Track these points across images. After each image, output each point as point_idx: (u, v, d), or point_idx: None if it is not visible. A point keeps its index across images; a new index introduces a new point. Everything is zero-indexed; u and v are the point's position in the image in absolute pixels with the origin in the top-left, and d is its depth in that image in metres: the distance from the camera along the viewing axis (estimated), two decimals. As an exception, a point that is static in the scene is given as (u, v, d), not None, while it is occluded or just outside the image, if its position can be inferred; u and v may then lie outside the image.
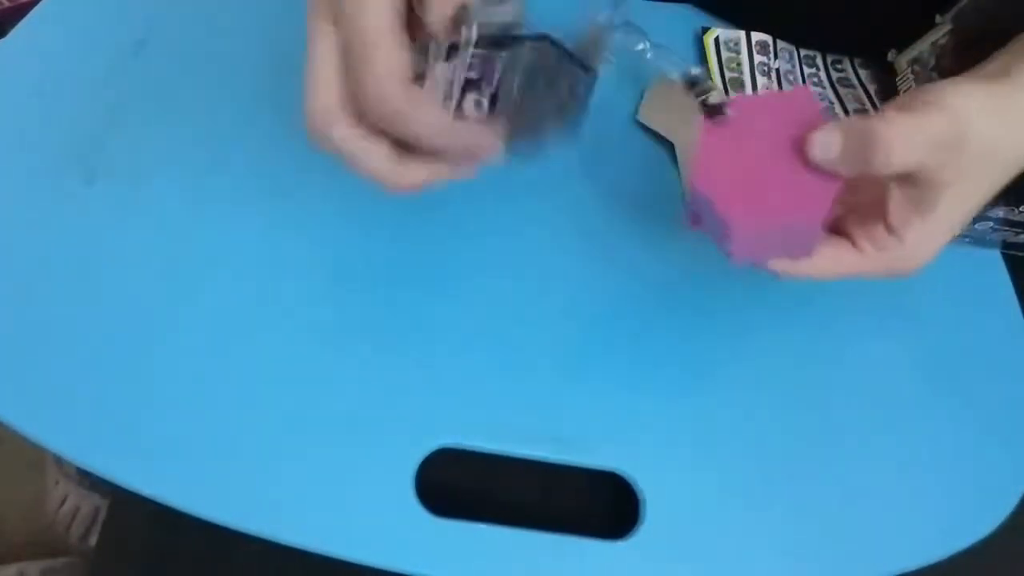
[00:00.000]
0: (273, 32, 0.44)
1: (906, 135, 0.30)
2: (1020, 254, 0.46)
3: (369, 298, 0.38)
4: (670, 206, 0.44)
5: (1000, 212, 0.42)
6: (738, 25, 0.52)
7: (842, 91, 0.51)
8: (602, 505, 0.39)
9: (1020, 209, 0.41)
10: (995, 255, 0.47)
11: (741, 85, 0.49)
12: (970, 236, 0.45)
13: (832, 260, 0.33)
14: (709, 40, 0.50)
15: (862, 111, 0.51)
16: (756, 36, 0.51)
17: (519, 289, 0.40)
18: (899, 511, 0.38)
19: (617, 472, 0.36)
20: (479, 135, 0.30)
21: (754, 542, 0.36)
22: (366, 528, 0.33)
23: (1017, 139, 0.32)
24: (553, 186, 0.43)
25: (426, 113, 0.29)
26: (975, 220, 0.43)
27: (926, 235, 0.33)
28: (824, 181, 0.31)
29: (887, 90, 0.51)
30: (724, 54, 0.50)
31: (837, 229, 0.34)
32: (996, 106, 0.31)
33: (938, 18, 0.46)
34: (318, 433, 0.34)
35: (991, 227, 0.43)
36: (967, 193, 0.32)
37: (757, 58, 0.50)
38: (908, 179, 0.32)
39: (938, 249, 0.33)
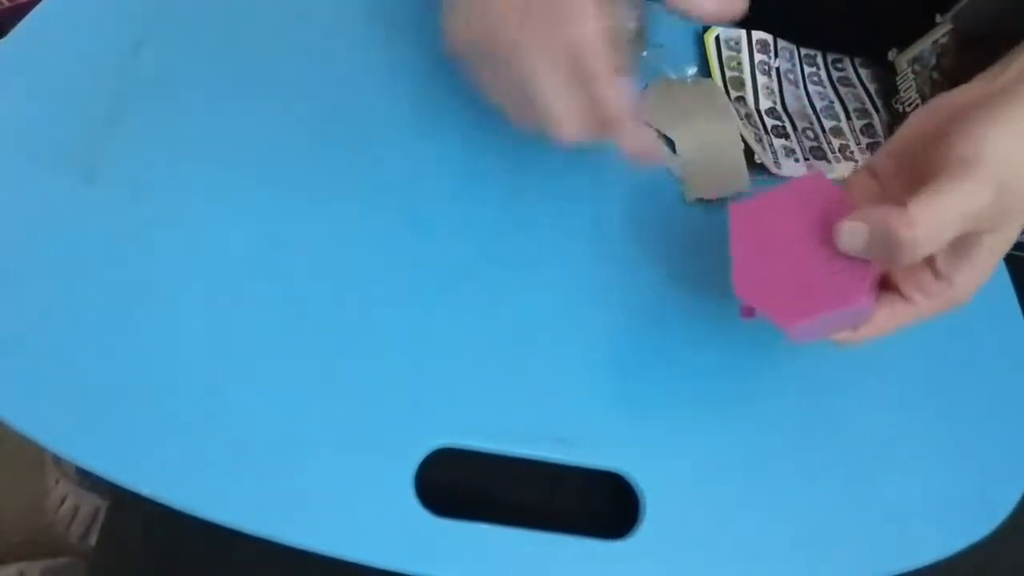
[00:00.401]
0: (273, 32, 0.44)
1: (935, 222, 0.29)
2: (1018, 254, 0.46)
3: (369, 298, 0.38)
4: (671, 206, 0.44)
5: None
6: (738, 24, 0.51)
7: (842, 90, 0.51)
8: (602, 505, 0.39)
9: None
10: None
11: (741, 84, 0.49)
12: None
13: (887, 318, 0.33)
14: (709, 39, 0.50)
15: (862, 111, 0.51)
16: (757, 35, 0.51)
17: (519, 289, 0.39)
18: (899, 511, 0.38)
19: (617, 472, 0.36)
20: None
21: (753, 542, 0.36)
22: (366, 528, 0.33)
23: None
24: (554, 186, 0.43)
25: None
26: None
27: (975, 273, 0.32)
28: (860, 265, 0.31)
29: (888, 89, 0.51)
30: (725, 53, 0.49)
31: (885, 283, 0.34)
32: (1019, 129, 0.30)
33: (938, 17, 0.46)
34: (318, 433, 0.34)
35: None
36: (1011, 227, 0.32)
37: (757, 57, 0.50)
38: None
39: (984, 281, 0.33)
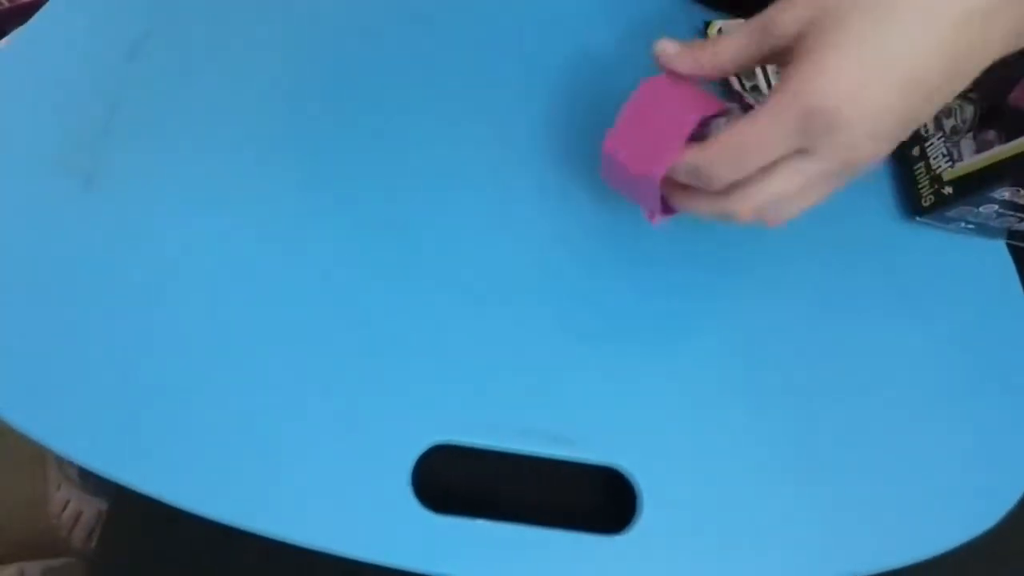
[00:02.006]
0: (272, 34, 0.44)
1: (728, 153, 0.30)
2: (1023, 245, 0.46)
3: (367, 295, 0.38)
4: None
5: (1006, 194, 0.41)
6: (737, 14, 0.51)
7: None
8: (599, 500, 0.39)
9: (1024, 191, 0.41)
10: (1000, 246, 0.46)
11: (752, 73, 0.48)
12: (975, 222, 0.45)
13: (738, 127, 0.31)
14: (714, 32, 0.49)
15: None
16: None
17: (517, 285, 0.39)
18: (899, 505, 0.38)
19: (614, 467, 0.36)
20: None
21: (751, 536, 0.36)
22: (364, 524, 0.33)
23: None
24: (554, 185, 0.43)
25: None
26: (979, 203, 0.42)
27: (815, 70, 0.28)
28: (670, 151, 0.33)
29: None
30: None
31: None
32: None
33: None
34: (316, 430, 0.34)
35: (996, 211, 0.43)
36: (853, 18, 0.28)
37: None
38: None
39: (857, 85, 0.28)
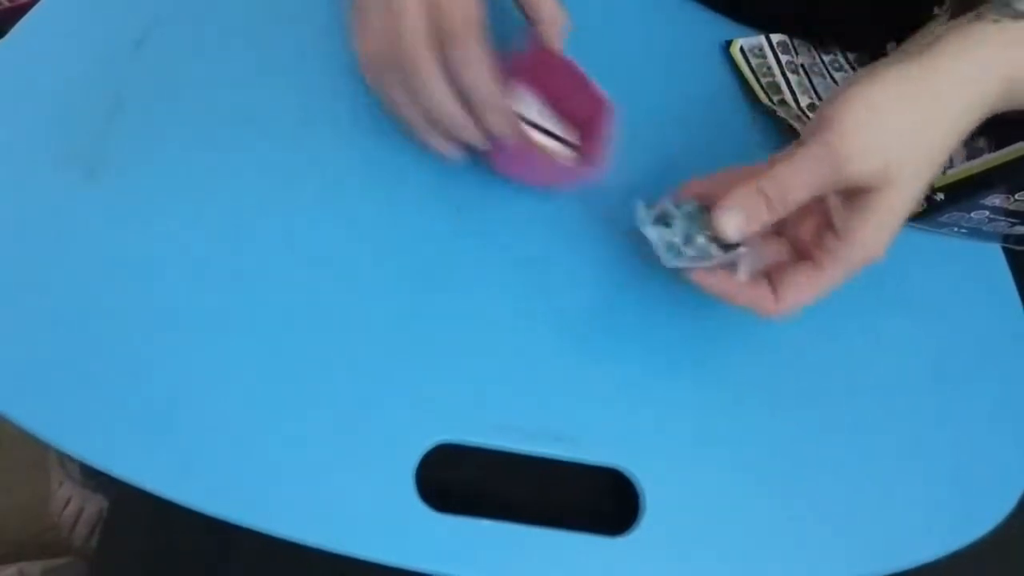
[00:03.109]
0: (273, 30, 0.44)
1: (793, 178, 0.33)
2: (1019, 248, 0.46)
3: (371, 295, 0.38)
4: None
5: (997, 200, 0.42)
6: (734, 19, 0.52)
7: (839, 76, 0.52)
8: (602, 501, 0.39)
9: (1016, 197, 0.41)
10: (995, 249, 0.47)
11: (778, 88, 0.49)
12: (967, 227, 0.45)
13: (804, 286, 0.35)
14: (736, 52, 0.50)
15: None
16: (775, 37, 0.51)
17: (521, 286, 0.40)
18: (898, 508, 0.38)
19: (617, 468, 0.36)
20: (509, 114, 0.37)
21: (753, 538, 0.36)
22: (367, 524, 0.33)
23: (935, 115, 0.33)
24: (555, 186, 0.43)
25: (491, 70, 0.35)
26: (970, 209, 0.43)
27: (871, 229, 0.34)
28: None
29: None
30: (754, 61, 0.50)
31: (799, 254, 0.37)
32: (907, 91, 0.33)
33: (936, 9, 0.46)
34: (320, 429, 0.34)
35: (987, 216, 0.43)
36: (903, 181, 0.33)
37: (783, 58, 0.51)
38: (842, 192, 0.34)
39: (891, 236, 0.35)
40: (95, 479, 0.73)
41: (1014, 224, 0.44)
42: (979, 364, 0.43)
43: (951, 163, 0.44)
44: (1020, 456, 0.40)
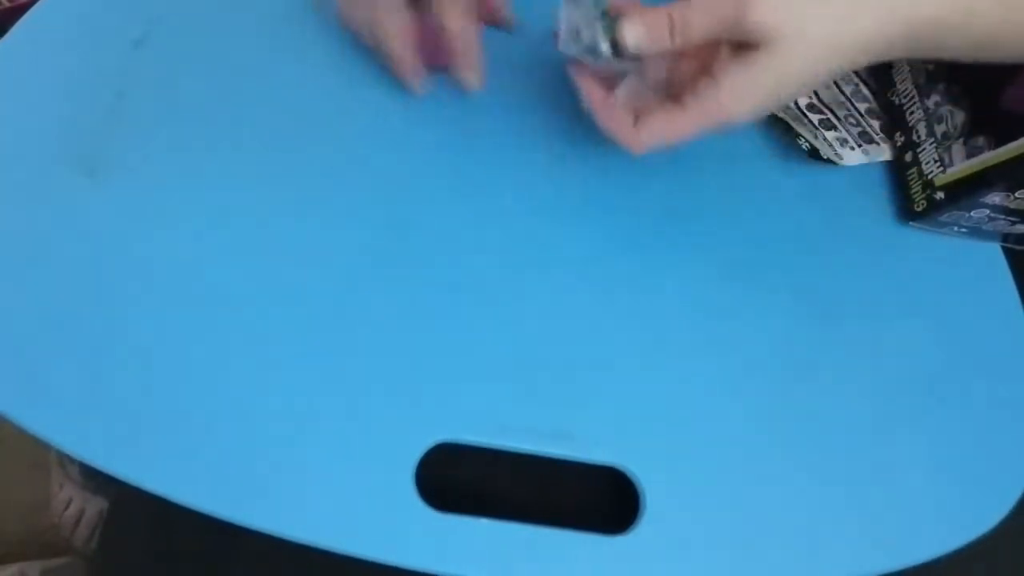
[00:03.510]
0: (273, 27, 0.44)
1: (698, 12, 0.34)
2: (1018, 247, 0.46)
3: (372, 294, 0.38)
4: (673, 204, 0.44)
5: (997, 198, 0.42)
6: None
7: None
8: (602, 500, 0.39)
9: (1016, 195, 0.41)
10: (995, 249, 0.47)
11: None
12: (967, 226, 0.45)
13: (664, 119, 0.36)
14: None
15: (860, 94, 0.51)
16: None
17: (519, 285, 0.40)
18: (898, 507, 0.38)
19: (617, 467, 0.36)
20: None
21: (753, 537, 0.36)
22: (367, 523, 0.33)
23: (849, 12, 0.33)
24: (551, 183, 0.43)
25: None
26: (970, 208, 0.43)
27: (743, 82, 0.34)
28: None
29: (883, 82, 0.51)
30: None
31: (673, 98, 0.37)
32: None
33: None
34: (319, 428, 0.34)
35: (987, 215, 0.43)
36: (795, 51, 0.33)
37: None
38: (735, 44, 0.35)
39: (759, 101, 0.35)
40: (95, 481, 0.73)
41: (1014, 223, 0.44)
42: (979, 364, 0.43)
43: (951, 161, 0.44)
44: (1020, 456, 0.40)
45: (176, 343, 0.35)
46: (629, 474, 0.36)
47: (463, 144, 0.43)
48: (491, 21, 0.46)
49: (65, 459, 0.74)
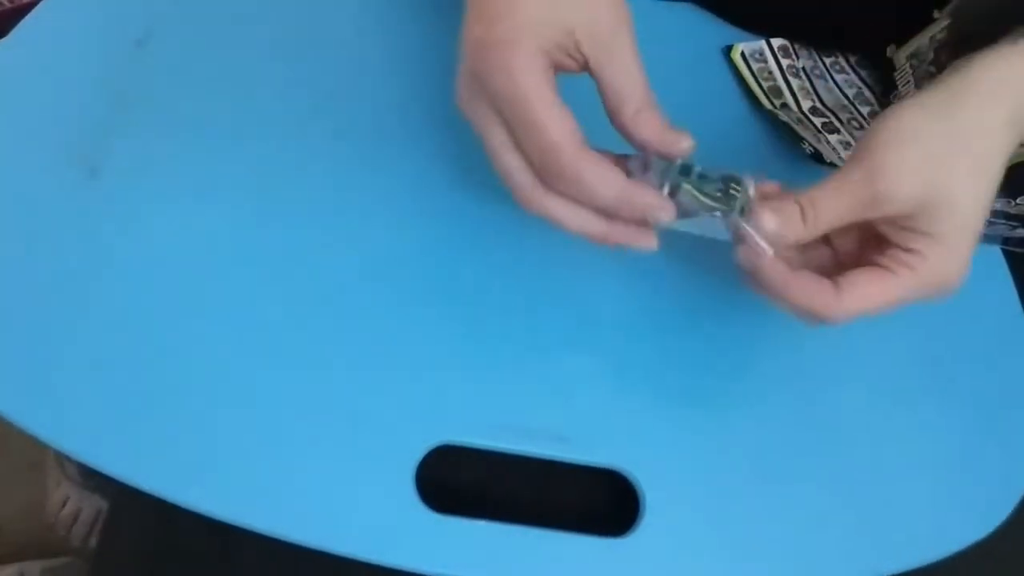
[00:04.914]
0: (274, 28, 0.44)
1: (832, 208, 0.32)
2: (1019, 250, 0.47)
3: (371, 295, 0.38)
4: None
5: (997, 205, 0.42)
6: (734, 23, 0.52)
7: (863, 73, 0.52)
8: (602, 502, 0.39)
9: (1017, 201, 0.41)
10: (995, 251, 0.47)
11: (779, 92, 0.49)
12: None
13: (878, 288, 0.33)
14: (737, 56, 0.50)
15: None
16: (775, 41, 0.51)
17: (520, 286, 0.40)
18: (898, 509, 0.38)
19: (617, 469, 0.36)
20: (649, 196, 0.32)
21: (753, 540, 0.36)
22: (367, 525, 0.33)
23: (970, 130, 0.32)
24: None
25: (601, 178, 0.31)
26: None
27: (945, 249, 0.33)
28: None
29: (885, 85, 0.51)
30: (755, 65, 0.50)
31: (865, 262, 0.34)
32: (941, 113, 0.32)
33: (936, 13, 0.46)
34: (319, 430, 0.34)
35: (988, 219, 0.43)
36: (966, 201, 0.32)
37: (784, 62, 0.51)
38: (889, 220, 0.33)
39: (968, 254, 0.33)
40: (93, 479, 0.73)
41: (1015, 227, 0.44)
42: (979, 364, 0.43)
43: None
44: (1020, 456, 0.40)
45: (176, 343, 0.35)
46: (629, 477, 0.36)
47: (469, 143, 0.43)
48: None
49: (63, 458, 0.74)
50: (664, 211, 0.32)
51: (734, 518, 0.36)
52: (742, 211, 0.32)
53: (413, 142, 0.42)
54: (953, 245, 0.33)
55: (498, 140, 0.32)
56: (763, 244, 0.32)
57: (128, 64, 0.41)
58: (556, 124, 0.30)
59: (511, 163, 0.32)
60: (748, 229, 0.32)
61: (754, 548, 0.36)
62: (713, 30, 0.52)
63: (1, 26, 0.44)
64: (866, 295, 0.32)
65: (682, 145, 0.32)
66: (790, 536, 0.36)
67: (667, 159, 0.33)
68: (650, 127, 0.32)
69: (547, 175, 0.32)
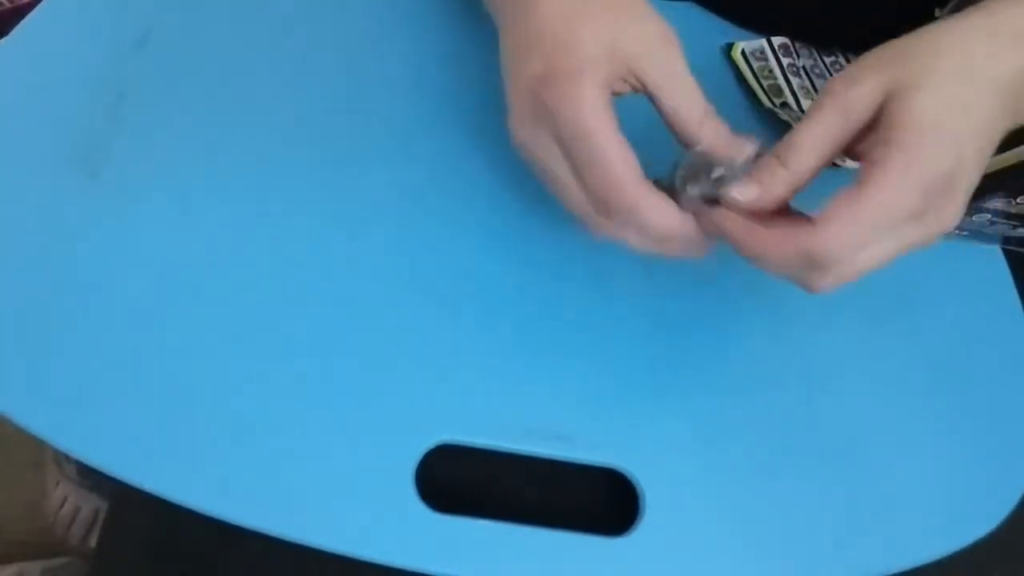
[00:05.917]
0: (275, 28, 0.44)
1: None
2: (1019, 250, 0.47)
3: (371, 294, 0.38)
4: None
5: (998, 204, 0.42)
6: (735, 22, 0.52)
7: None
8: (602, 502, 0.39)
9: (1018, 201, 0.41)
10: (995, 251, 0.47)
11: (780, 90, 0.49)
12: (968, 229, 0.45)
13: (859, 204, 0.30)
14: (737, 55, 0.50)
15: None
16: (776, 40, 0.51)
17: (520, 286, 0.40)
18: (899, 508, 0.38)
19: (617, 469, 0.36)
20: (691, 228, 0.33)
21: (753, 539, 0.36)
22: (367, 524, 0.33)
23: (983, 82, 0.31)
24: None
25: (658, 211, 0.32)
26: (972, 212, 0.43)
27: (916, 137, 0.30)
28: None
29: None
30: (755, 64, 0.50)
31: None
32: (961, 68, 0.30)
33: (937, 11, 0.46)
34: (319, 429, 0.34)
35: (988, 219, 0.43)
36: (934, 94, 0.30)
37: (784, 61, 0.51)
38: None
39: (956, 149, 0.30)
40: (91, 478, 0.73)
41: (1016, 227, 0.44)
42: (979, 364, 0.43)
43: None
44: (1020, 456, 0.41)
45: (177, 343, 0.35)
46: (629, 476, 0.36)
47: (472, 145, 0.43)
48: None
49: (62, 457, 0.74)
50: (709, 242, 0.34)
51: (734, 518, 0.36)
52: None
53: (416, 141, 0.42)
54: (928, 129, 0.29)
55: (565, 173, 0.33)
56: (734, 194, 0.32)
57: (128, 64, 0.41)
58: (620, 160, 0.31)
59: (580, 197, 0.33)
60: (726, 188, 0.33)
61: (754, 547, 0.36)
62: (713, 29, 0.52)
63: (1, 26, 0.44)
64: (849, 215, 0.29)
65: (747, 149, 0.33)
66: (790, 535, 0.36)
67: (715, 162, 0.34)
68: (718, 136, 0.34)
69: (606, 206, 0.33)
